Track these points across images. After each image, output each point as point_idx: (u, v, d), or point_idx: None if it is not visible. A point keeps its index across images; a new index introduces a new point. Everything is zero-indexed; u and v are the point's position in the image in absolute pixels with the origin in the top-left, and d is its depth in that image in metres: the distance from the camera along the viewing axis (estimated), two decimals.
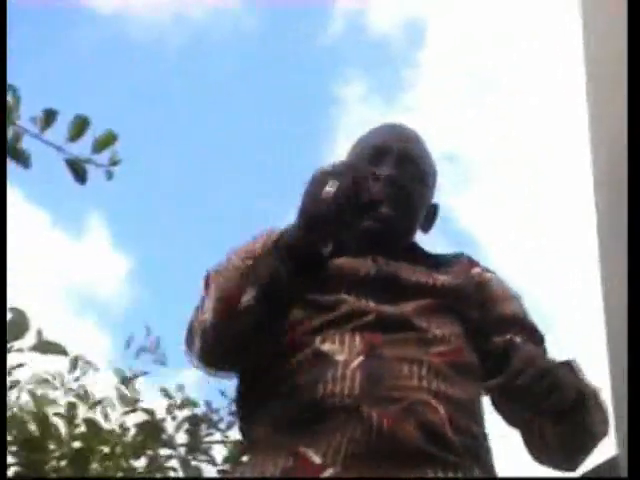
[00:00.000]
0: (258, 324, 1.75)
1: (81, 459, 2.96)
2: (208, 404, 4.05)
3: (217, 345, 1.78)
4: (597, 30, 1.89)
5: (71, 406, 3.48)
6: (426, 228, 2.11)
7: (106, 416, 3.65)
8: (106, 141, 2.06)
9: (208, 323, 1.77)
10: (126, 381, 3.61)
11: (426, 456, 1.63)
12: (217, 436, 3.99)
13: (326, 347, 1.76)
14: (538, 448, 1.82)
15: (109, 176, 2.11)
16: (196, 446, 3.68)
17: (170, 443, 3.61)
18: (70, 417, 3.34)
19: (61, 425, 3.37)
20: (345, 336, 1.77)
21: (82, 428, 3.31)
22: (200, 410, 4.04)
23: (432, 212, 2.12)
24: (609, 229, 1.71)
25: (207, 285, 1.87)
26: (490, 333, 1.90)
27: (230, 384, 4.09)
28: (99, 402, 3.63)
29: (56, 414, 3.42)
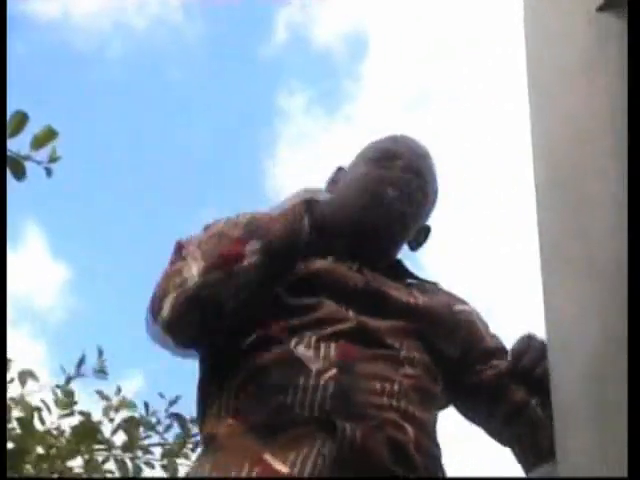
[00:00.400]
0: (259, 280, 1.72)
1: (14, 460, 2.92)
2: (146, 406, 4.02)
3: (198, 308, 1.72)
4: (539, 39, 1.90)
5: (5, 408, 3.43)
6: (414, 247, 2.12)
7: (42, 420, 3.61)
8: (45, 137, 2.03)
9: (194, 283, 1.72)
10: (72, 397, 3.57)
11: (390, 474, 1.66)
12: (155, 439, 3.97)
13: (300, 351, 1.76)
14: (533, 458, 1.88)
15: (48, 173, 2.09)
16: (133, 448, 3.66)
17: (107, 444, 3.58)
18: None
19: None
20: (320, 343, 1.77)
21: (16, 429, 3.27)
22: (138, 413, 4.01)
23: (424, 232, 2.12)
24: (550, 237, 1.72)
25: (181, 249, 1.83)
26: (475, 364, 1.98)
27: (169, 387, 4.10)
28: (36, 408, 3.58)
29: None
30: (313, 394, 1.70)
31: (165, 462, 3.71)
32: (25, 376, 3.42)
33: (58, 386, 3.68)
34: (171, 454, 3.70)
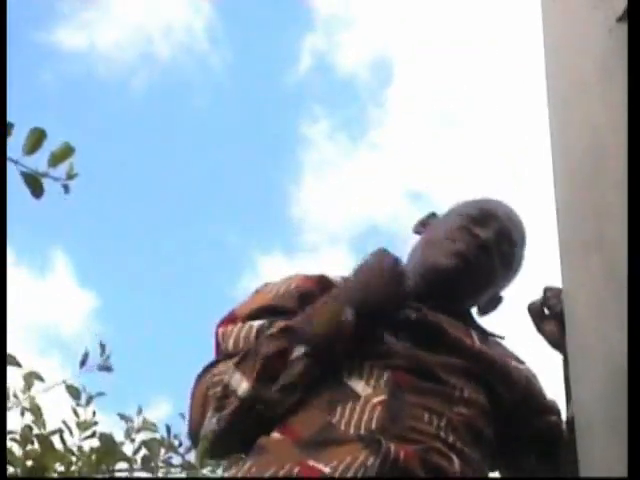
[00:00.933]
0: (307, 379, 1.75)
1: (35, 473, 2.92)
2: (168, 428, 4.00)
3: (251, 420, 1.74)
4: (558, 50, 1.89)
5: (27, 429, 3.43)
6: (483, 311, 2.11)
7: (63, 440, 3.60)
8: (63, 154, 2.03)
9: (245, 397, 1.74)
10: (78, 395, 3.55)
11: None
12: (176, 460, 3.94)
13: (351, 379, 1.76)
14: None
15: (66, 190, 2.08)
16: (153, 469, 3.64)
17: (128, 462, 3.56)
18: (25, 439, 3.29)
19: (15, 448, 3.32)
20: (373, 373, 1.76)
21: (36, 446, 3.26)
22: (159, 435, 3.99)
23: (496, 300, 2.11)
24: (571, 266, 1.70)
25: (220, 342, 1.86)
26: (529, 417, 1.95)
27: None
28: (57, 431, 3.57)
29: (12, 439, 3.37)
30: (359, 416, 1.69)
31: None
32: (31, 378, 3.39)
33: (78, 404, 3.66)
34: (191, 467, 3.69)
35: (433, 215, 2.15)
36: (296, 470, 1.63)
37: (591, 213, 1.64)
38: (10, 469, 3.14)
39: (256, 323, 1.84)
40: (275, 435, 1.72)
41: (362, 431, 1.66)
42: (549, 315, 1.89)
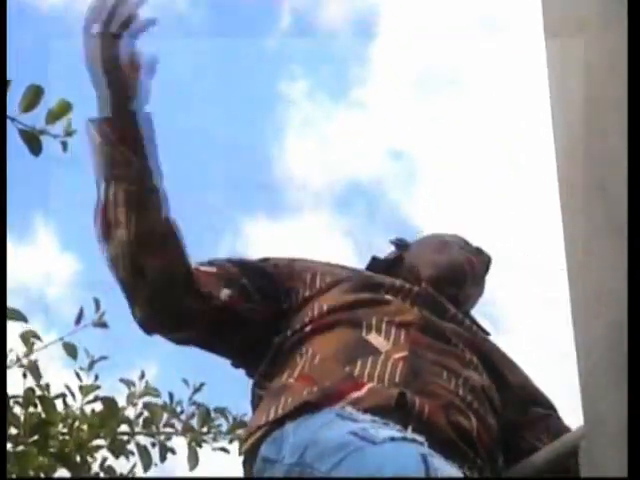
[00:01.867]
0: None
1: (39, 431, 2.94)
2: (170, 396, 4.01)
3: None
4: (561, 15, 1.88)
5: (30, 392, 3.43)
6: None
7: (65, 404, 3.61)
8: (61, 110, 2.02)
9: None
10: (75, 353, 3.54)
11: (459, 450, 1.64)
12: (178, 427, 3.95)
13: (370, 336, 1.77)
14: None
15: (64, 147, 2.07)
16: (156, 426, 3.66)
17: (130, 425, 3.57)
18: (27, 401, 3.29)
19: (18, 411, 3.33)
20: (391, 330, 1.78)
21: (40, 412, 3.27)
22: (161, 400, 4.00)
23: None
24: (572, 212, 1.69)
25: None
26: (525, 405, 1.98)
27: (193, 374, 4.08)
28: (60, 395, 3.57)
29: (15, 401, 3.37)
30: (382, 368, 1.69)
31: (188, 438, 3.71)
32: (28, 336, 3.39)
33: (82, 368, 3.67)
34: (192, 431, 3.70)
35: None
36: (328, 384, 1.64)
37: (592, 159, 1.64)
38: (13, 430, 3.16)
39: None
40: (293, 381, 1.72)
41: (386, 383, 1.66)
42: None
